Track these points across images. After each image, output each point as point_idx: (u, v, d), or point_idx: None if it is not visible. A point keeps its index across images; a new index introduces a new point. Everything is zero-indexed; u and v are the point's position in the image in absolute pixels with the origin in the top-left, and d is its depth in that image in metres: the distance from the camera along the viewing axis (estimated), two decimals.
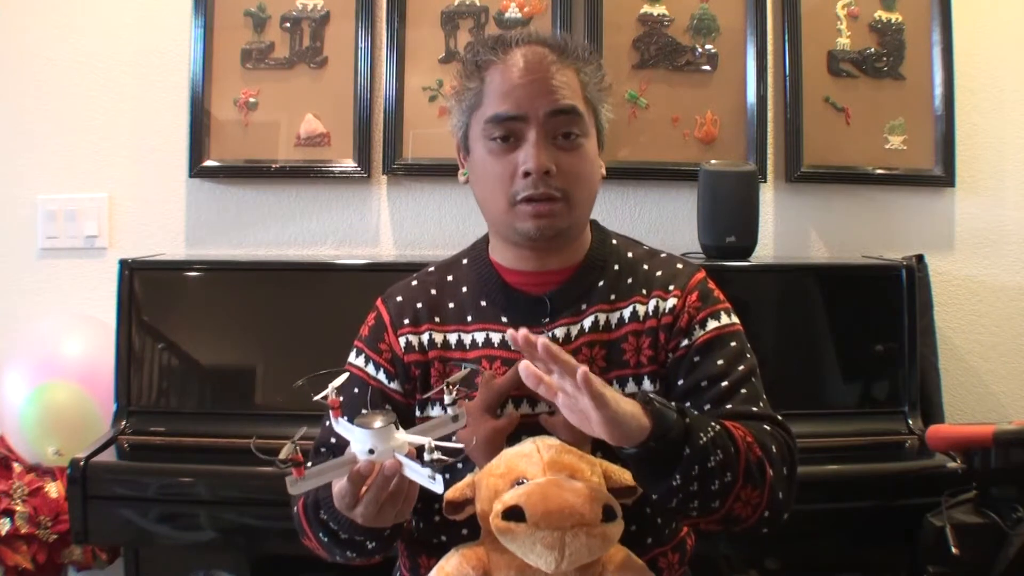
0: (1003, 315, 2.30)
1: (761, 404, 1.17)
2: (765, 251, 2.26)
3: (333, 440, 1.20)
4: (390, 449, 0.98)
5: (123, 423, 1.87)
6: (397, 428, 0.99)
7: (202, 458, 1.78)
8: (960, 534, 1.56)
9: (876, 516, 1.71)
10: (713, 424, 1.06)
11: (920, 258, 2.07)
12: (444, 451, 0.97)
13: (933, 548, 1.59)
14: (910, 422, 1.88)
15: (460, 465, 1.12)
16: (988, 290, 2.31)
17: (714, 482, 1.03)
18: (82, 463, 1.70)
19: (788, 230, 2.30)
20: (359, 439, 0.98)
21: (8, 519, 1.88)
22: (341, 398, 1.04)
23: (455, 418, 1.04)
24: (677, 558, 1.20)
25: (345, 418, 1.02)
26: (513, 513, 0.98)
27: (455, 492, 1.06)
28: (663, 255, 1.27)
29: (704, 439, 1.02)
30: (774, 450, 1.10)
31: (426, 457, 0.95)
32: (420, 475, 0.96)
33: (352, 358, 1.25)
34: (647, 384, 1.17)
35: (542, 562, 0.99)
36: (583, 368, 0.94)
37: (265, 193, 2.29)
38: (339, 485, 1.01)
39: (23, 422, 1.94)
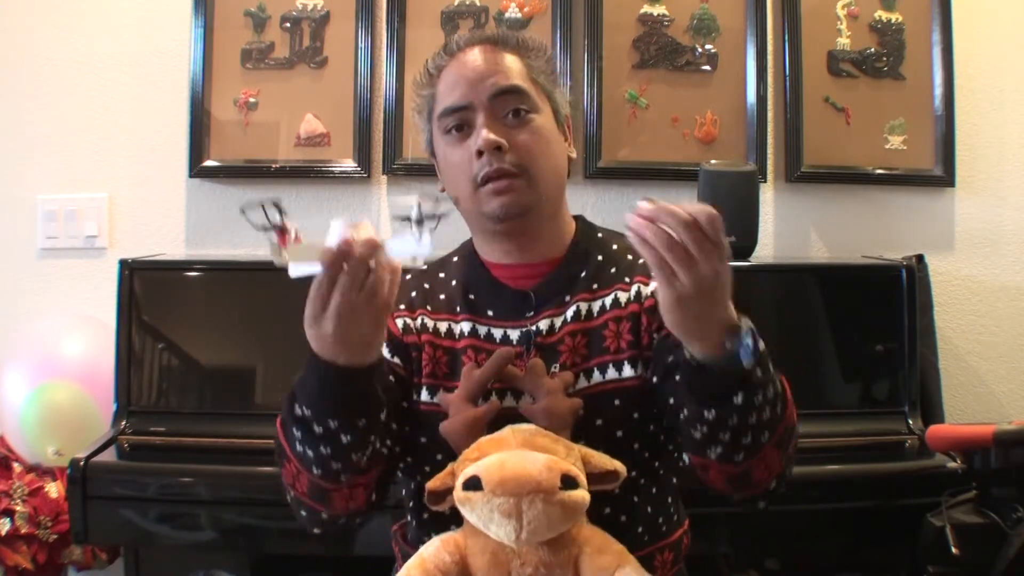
0: (1003, 315, 2.30)
1: None
2: (765, 251, 2.26)
3: None
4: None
5: (123, 423, 1.87)
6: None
7: (202, 458, 1.78)
8: (960, 534, 1.56)
9: (876, 516, 1.71)
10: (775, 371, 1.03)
11: (920, 258, 2.07)
12: (429, 214, 0.97)
13: (933, 548, 1.59)
14: (910, 422, 1.88)
15: (440, 456, 1.13)
16: (988, 290, 2.30)
17: (747, 434, 1.01)
18: (82, 463, 1.70)
19: (788, 230, 2.30)
20: (334, 232, 0.97)
21: (8, 519, 1.88)
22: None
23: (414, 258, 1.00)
24: (671, 557, 1.20)
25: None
26: (472, 483, 1.00)
27: (436, 481, 1.06)
28: None
29: (762, 395, 1.00)
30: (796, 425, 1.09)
31: (413, 215, 0.95)
32: (405, 246, 0.96)
33: None
34: (627, 369, 1.16)
35: (503, 532, 0.99)
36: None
37: (265, 193, 2.28)
38: (315, 282, 0.98)
39: (23, 422, 1.94)
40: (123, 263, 1.94)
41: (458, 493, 1.01)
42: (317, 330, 1.00)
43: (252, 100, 2.24)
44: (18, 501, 1.90)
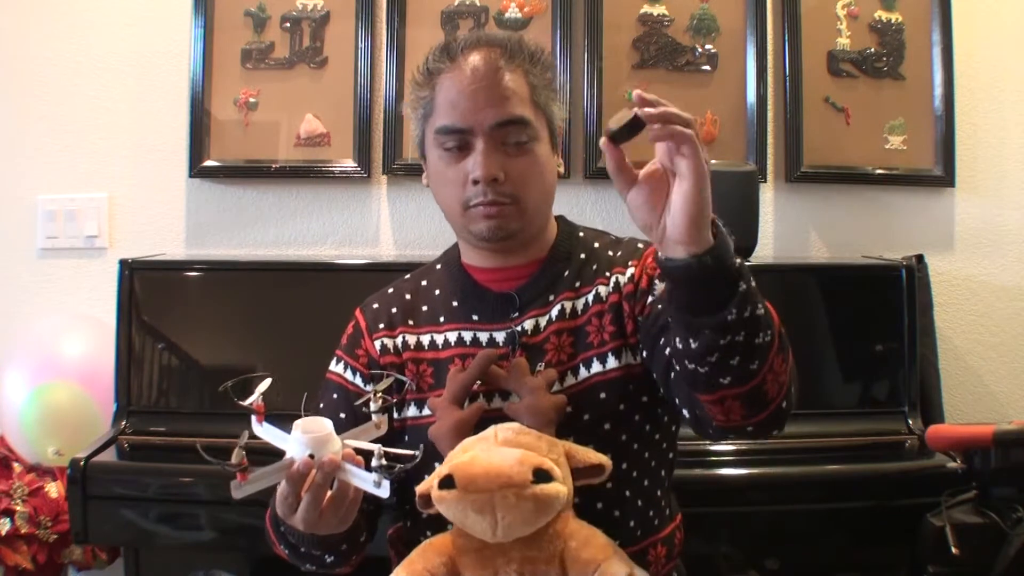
0: (1003, 315, 2.30)
1: None
2: (765, 251, 2.26)
3: None
4: (328, 453, 0.99)
5: (123, 423, 1.87)
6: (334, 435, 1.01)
7: (202, 458, 1.77)
8: (960, 534, 1.56)
9: (876, 516, 1.71)
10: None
11: (920, 258, 2.07)
12: (394, 458, 0.98)
13: (933, 548, 1.59)
14: (910, 422, 1.88)
15: (437, 464, 1.12)
16: (988, 290, 2.30)
17: (758, 335, 0.97)
18: (82, 463, 1.70)
19: (788, 230, 2.30)
20: (298, 443, 1.00)
21: (8, 519, 1.88)
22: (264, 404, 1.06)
23: (377, 426, 1.09)
24: (665, 551, 1.20)
25: (269, 425, 1.05)
26: (445, 482, 1.01)
27: (425, 485, 1.07)
28: (627, 239, 1.27)
29: (753, 284, 0.97)
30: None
31: (374, 463, 0.97)
32: (364, 480, 0.98)
33: (332, 366, 1.28)
34: (611, 361, 1.16)
35: (479, 529, 1.00)
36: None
37: (265, 193, 2.29)
38: (280, 489, 1.03)
39: (23, 422, 1.95)
40: (123, 263, 1.93)
41: (434, 492, 1.02)
42: (288, 520, 1.06)
43: (252, 100, 2.25)
44: (18, 501, 1.90)
